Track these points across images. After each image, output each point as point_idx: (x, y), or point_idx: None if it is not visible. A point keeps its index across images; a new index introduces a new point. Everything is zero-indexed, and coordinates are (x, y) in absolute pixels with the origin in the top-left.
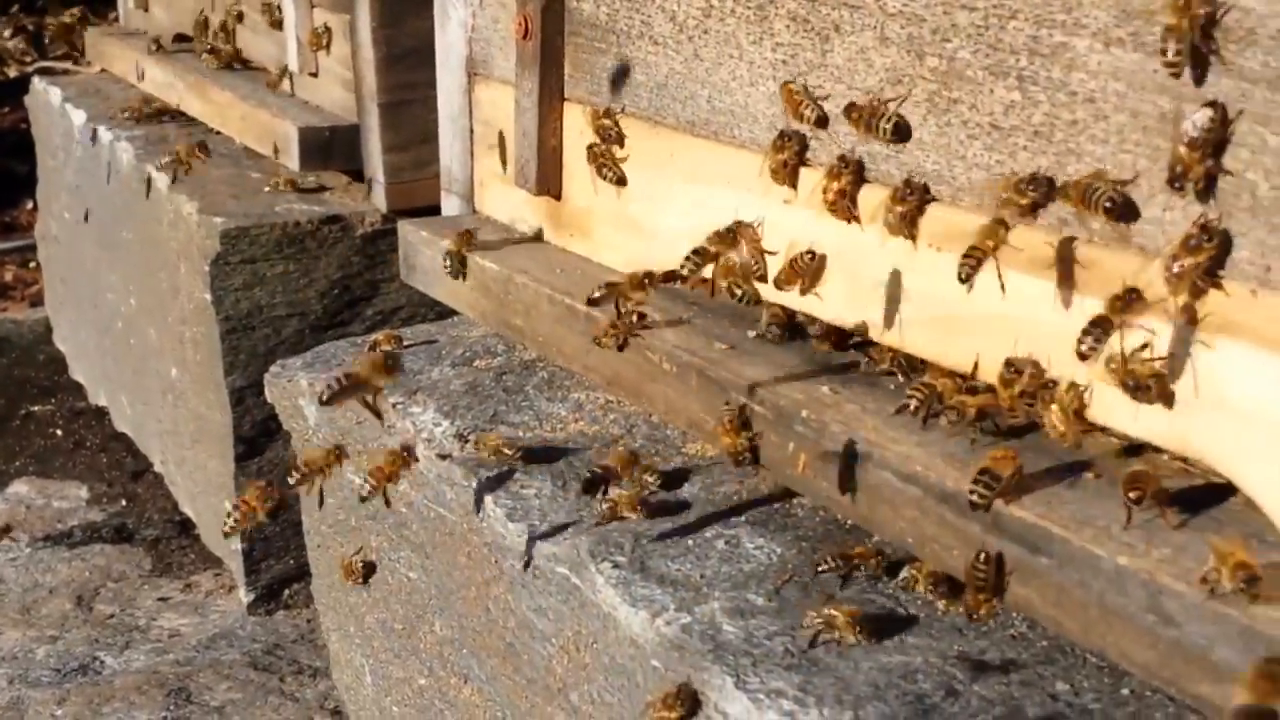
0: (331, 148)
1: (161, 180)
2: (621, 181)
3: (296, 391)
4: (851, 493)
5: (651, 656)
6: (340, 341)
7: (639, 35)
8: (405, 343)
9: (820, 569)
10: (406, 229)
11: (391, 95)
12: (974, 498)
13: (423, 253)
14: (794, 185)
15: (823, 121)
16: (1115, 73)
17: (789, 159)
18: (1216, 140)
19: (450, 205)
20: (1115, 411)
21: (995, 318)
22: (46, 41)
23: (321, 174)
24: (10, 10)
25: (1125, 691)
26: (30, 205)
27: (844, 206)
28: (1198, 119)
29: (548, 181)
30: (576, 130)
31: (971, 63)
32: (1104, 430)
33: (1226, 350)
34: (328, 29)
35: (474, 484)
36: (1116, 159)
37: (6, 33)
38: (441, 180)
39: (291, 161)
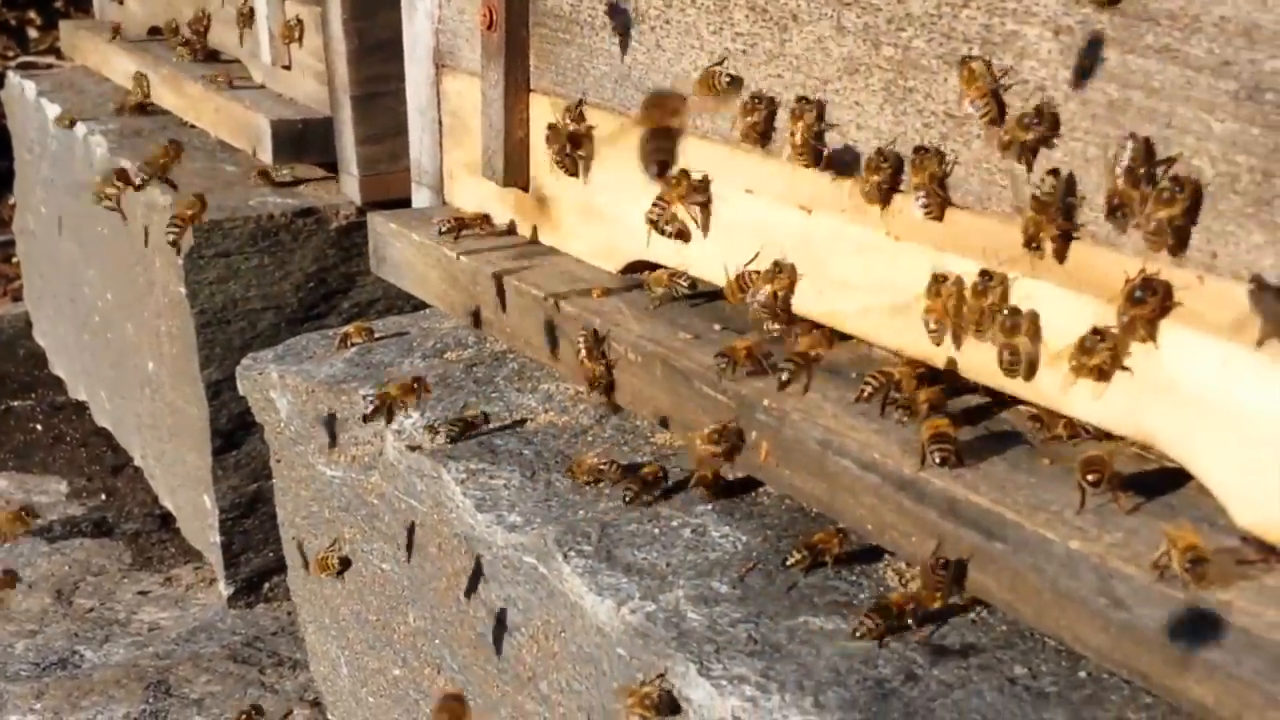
0: (305, 140)
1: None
2: (574, 173)
3: (268, 384)
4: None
5: (617, 645)
6: (313, 334)
7: (602, 26)
8: (376, 335)
9: (789, 562)
10: (376, 221)
11: (364, 88)
12: (939, 456)
13: (393, 245)
14: (765, 147)
15: (736, 83)
16: (1065, 61)
17: (759, 122)
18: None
19: (420, 197)
20: (1071, 396)
21: None
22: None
23: (295, 166)
24: None
25: (1082, 674)
26: (11, 200)
27: (811, 151)
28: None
29: (515, 173)
30: (543, 121)
31: (926, 51)
32: (1059, 415)
33: (1175, 336)
34: (299, 21)
35: (443, 475)
36: (1067, 146)
37: None
38: (411, 172)
39: (265, 155)
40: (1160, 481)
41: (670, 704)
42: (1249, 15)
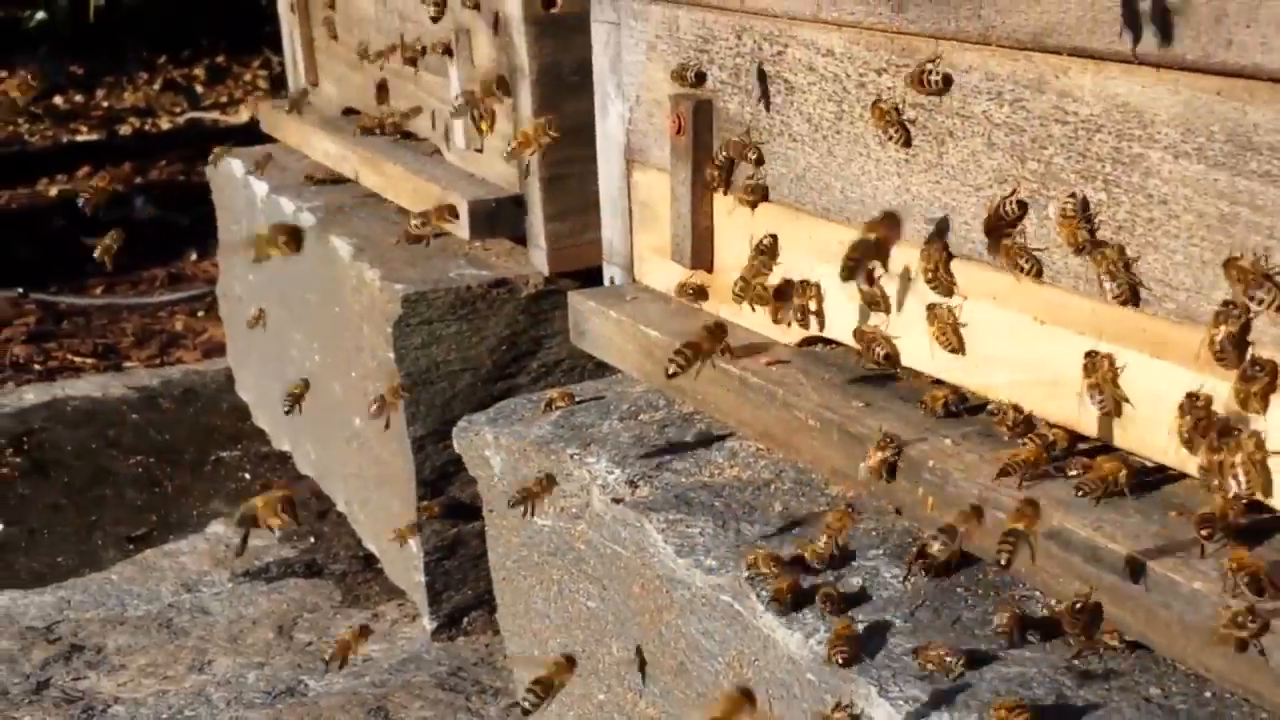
0: (497, 218)
1: (345, 250)
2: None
3: (483, 444)
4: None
5: (807, 671)
6: (518, 398)
7: (779, 133)
8: (577, 399)
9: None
10: (576, 299)
11: (551, 170)
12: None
13: (591, 321)
14: (907, 144)
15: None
16: (1184, 180)
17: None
18: None
19: (612, 276)
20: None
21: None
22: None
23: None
24: (158, 63)
25: (1207, 694)
26: (194, 256)
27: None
28: None
29: (701, 257)
30: (725, 211)
31: (1065, 167)
32: (1182, 473)
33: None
34: (491, 111)
35: (645, 525)
36: (1187, 251)
37: (156, 85)
38: (604, 253)
39: (462, 231)
40: (1271, 530)
41: None
42: None
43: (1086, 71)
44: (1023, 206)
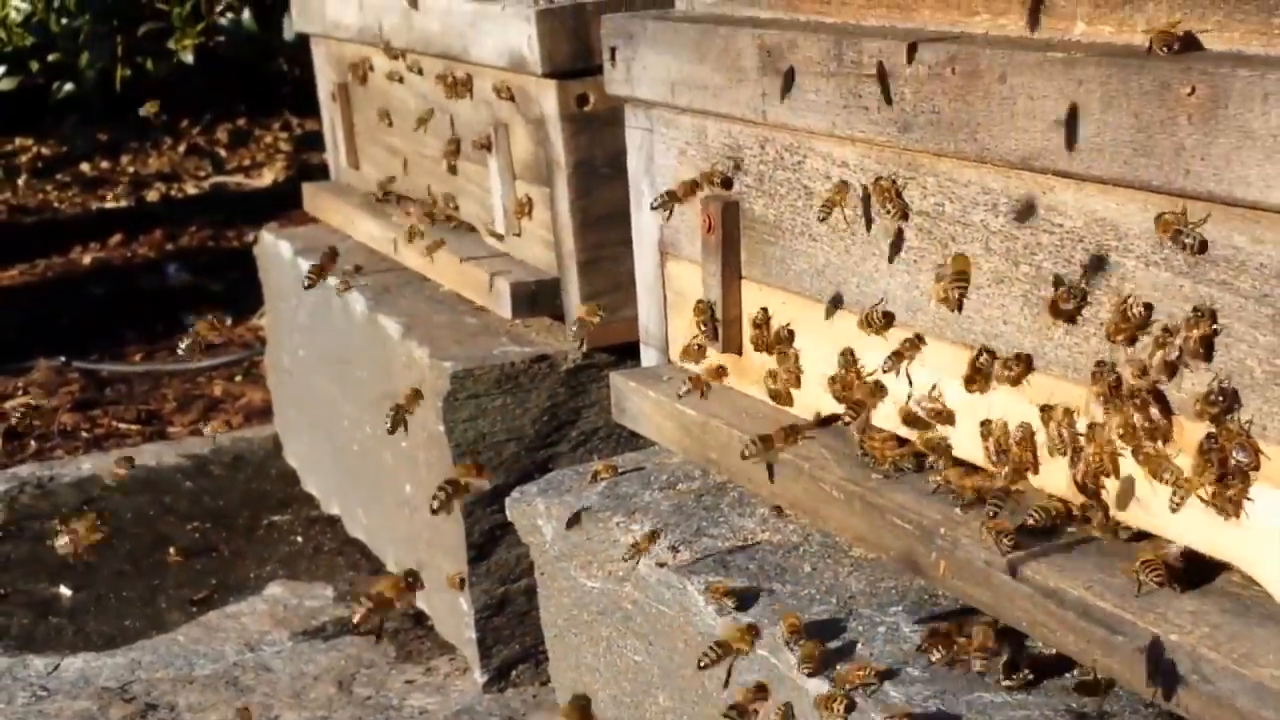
0: (537, 298)
1: (394, 329)
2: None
3: (535, 513)
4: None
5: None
6: (566, 470)
7: (800, 232)
8: (620, 471)
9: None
10: (617, 380)
11: (587, 254)
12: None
13: (631, 399)
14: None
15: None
16: (1154, 285)
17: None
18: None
19: (649, 357)
20: (1165, 521)
21: None
22: (222, 155)
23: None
24: (180, 127)
25: None
26: (229, 322)
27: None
28: None
29: (730, 342)
30: (753, 302)
31: (1053, 270)
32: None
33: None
34: (529, 199)
35: (687, 587)
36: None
37: (180, 150)
38: (641, 335)
39: (504, 311)
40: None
41: None
42: (1277, 262)
43: (1069, 189)
44: (991, 353)
